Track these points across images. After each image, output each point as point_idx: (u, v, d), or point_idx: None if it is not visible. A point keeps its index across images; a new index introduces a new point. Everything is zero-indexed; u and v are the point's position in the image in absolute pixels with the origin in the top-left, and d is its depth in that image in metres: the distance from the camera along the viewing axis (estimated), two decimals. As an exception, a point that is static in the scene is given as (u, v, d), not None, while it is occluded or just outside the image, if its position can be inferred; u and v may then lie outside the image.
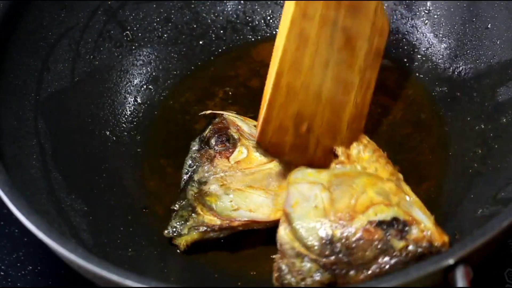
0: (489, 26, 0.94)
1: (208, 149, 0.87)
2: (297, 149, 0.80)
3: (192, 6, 1.03)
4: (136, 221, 0.87)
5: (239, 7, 1.05)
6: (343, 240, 0.73)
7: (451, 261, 0.66)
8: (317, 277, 0.73)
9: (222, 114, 0.90)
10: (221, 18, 1.04)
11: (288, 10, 0.75)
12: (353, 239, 0.73)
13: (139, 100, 0.98)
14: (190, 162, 0.87)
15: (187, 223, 0.83)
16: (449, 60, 0.97)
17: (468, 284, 0.66)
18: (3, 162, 0.79)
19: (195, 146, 0.88)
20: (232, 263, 0.83)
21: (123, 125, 0.96)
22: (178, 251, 0.84)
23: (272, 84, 0.75)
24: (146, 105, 0.98)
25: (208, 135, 0.88)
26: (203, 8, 1.04)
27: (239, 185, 0.83)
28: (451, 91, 0.94)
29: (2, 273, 0.88)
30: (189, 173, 0.87)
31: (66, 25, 0.95)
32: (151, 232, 0.85)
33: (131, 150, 0.94)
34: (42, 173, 0.85)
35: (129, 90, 0.98)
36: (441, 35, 0.98)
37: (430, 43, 0.99)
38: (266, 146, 0.79)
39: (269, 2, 1.05)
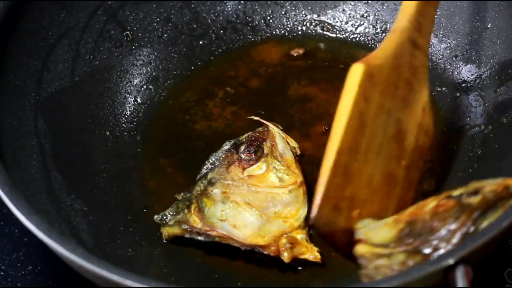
0: (489, 26, 0.94)
1: (235, 153, 0.87)
2: (346, 233, 0.77)
3: (192, 6, 1.03)
4: (136, 221, 0.87)
5: (239, 7, 1.05)
6: (420, 224, 0.73)
7: (451, 261, 0.66)
8: (411, 263, 0.71)
9: (268, 125, 0.90)
10: (221, 18, 1.04)
11: (351, 91, 0.75)
12: (429, 218, 0.72)
13: (139, 100, 0.98)
14: (214, 159, 0.88)
15: (177, 216, 0.83)
16: (449, 60, 0.97)
17: (468, 284, 0.66)
18: (3, 162, 0.79)
19: (226, 146, 0.88)
20: (232, 263, 0.83)
21: (123, 125, 0.96)
22: (180, 251, 0.84)
23: (333, 161, 0.73)
24: (146, 105, 0.98)
25: (243, 140, 0.88)
26: (203, 8, 1.04)
27: (238, 198, 0.83)
28: (451, 91, 0.94)
29: (2, 273, 0.88)
30: (207, 169, 0.87)
31: (66, 25, 0.95)
32: (151, 232, 0.85)
33: (131, 150, 0.94)
34: (42, 173, 0.85)
35: (129, 90, 0.98)
36: (441, 35, 0.98)
37: (430, 43, 0.99)
38: (321, 224, 0.75)
39: (269, 2, 1.05)
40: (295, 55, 1.01)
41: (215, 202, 0.83)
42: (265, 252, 0.80)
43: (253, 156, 0.86)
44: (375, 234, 0.74)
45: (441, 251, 0.70)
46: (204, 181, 0.85)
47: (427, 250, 0.71)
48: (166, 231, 0.83)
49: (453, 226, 0.70)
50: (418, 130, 0.82)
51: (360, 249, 0.74)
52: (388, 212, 0.78)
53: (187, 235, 0.82)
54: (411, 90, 0.81)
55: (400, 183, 0.81)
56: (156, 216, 0.84)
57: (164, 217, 0.84)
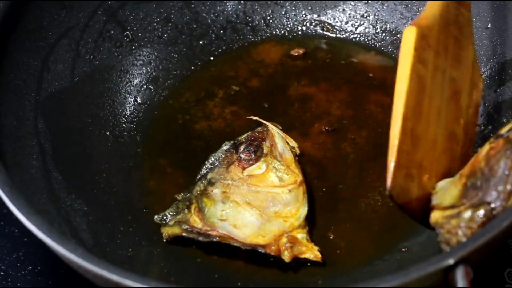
0: (489, 26, 0.94)
1: (234, 153, 0.87)
2: (420, 200, 0.76)
3: (192, 6, 1.03)
4: (136, 221, 0.87)
5: (239, 7, 1.05)
6: (479, 174, 0.72)
7: (451, 261, 0.66)
8: (479, 217, 0.71)
9: (267, 125, 0.90)
10: (221, 18, 1.04)
11: (407, 55, 0.75)
12: (484, 165, 0.72)
13: (139, 100, 0.98)
14: (214, 159, 0.88)
15: (177, 216, 0.83)
16: (449, 60, 0.97)
17: (468, 284, 0.66)
18: (3, 162, 0.79)
19: (226, 146, 0.88)
20: (232, 263, 0.83)
21: (123, 125, 0.96)
22: (180, 251, 0.84)
23: (399, 128, 0.73)
24: (146, 105, 0.98)
25: (242, 140, 0.88)
26: (203, 8, 1.04)
27: (238, 198, 0.83)
28: (451, 91, 0.94)
29: (2, 273, 0.88)
30: (207, 170, 0.87)
31: (66, 25, 0.95)
32: (151, 232, 0.85)
33: (131, 150, 0.94)
34: (42, 173, 0.85)
35: (129, 90, 0.98)
36: (441, 35, 0.98)
37: (430, 43, 0.99)
38: (397, 193, 0.74)
39: (269, 2, 1.05)
40: (295, 55, 1.01)
41: (215, 202, 0.83)
42: (265, 252, 0.80)
43: (253, 156, 0.86)
44: (445, 196, 0.74)
45: (502, 196, 0.69)
46: (204, 181, 0.86)
47: (489, 198, 0.70)
48: (166, 231, 0.83)
49: (507, 165, 0.70)
50: (471, 86, 0.82)
51: (433, 216, 0.74)
52: (454, 173, 0.78)
53: (187, 235, 0.82)
54: (460, 47, 0.80)
55: (461, 142, 0.80)
56: (156, 216, 0.85)
57: (164, 217, 0.84)
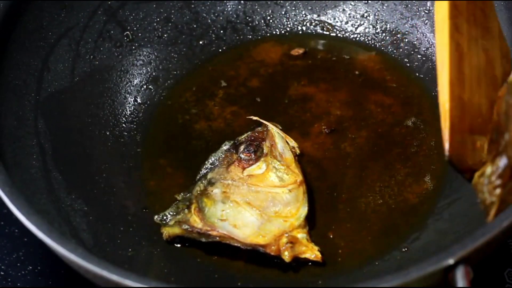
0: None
1: (234, 153, 0.87)
2: (476, 165, 0.77)
3: (192, 6, 1.03)
4: (136, 221, 0.87)
5: (239, 7, 1.05)
6: (495, 126, 0.73)
7: (451, 261, 0.66)
8: (498, 170, 0.71)
9: (267, 125, 0.90)
10: (221, 18, 1.04)
11: (444, 24, 0.76)
12: (496, 115, 0.73)
13: (139, 100, 0.98)
14: (214, 159, 0.88)
15: (177, 216, 0.83)
16: (449, 60, 0.97)
17: (468, 284, 0.66)
18: (3, 162, 0.79)
19: (226, 146, 0.89)
20: (232, 263, 0.83)
21: (123, 125, 0.96)
22: (180, 251, 0.84)
23: (448, 95, 0.74)
24: (146, 105, 0.98)
25: (242, 140, 0.88)
26: (203, 8, 1.04)
27: (238, 198, 0.83)
28: (451, 91, 0.94)
29: (2, 273, 0.88)
30: (207, 170, 0.87)
31: (66, 25, 0.95)
32: (151, 232, 0.85)
33: (131, 150, 0.94)
34: (42, 173, 0.85)
35: (129, 90, 0.98)
36: (441, 35, 0.98)
37: (430, 43, 0.99)
38: (456, 160, 0.75)
39: (269, 2, 1.05)
40: (295, 55, 1.01)
41: (215, 202, 0.83)
42: (265, 252, 0.80)
43: (253, 156, 0.86)
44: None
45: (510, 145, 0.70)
46: (204, 181, 0.86)
47: (502, 149, 0.71)
48: (167, 231, 0.83)
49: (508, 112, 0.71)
50: (501, 56, 0.82)
51: (473, 180, 0.75)
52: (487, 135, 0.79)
53: (187, 235, 0.82)
54: (486, 17, 0.81)
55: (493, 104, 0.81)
56: (156, 216, 0.85)
57: (164, 217, 0.84)
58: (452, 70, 0.75)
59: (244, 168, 0.85)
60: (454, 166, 0.75)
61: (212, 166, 0.87)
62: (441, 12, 0.76)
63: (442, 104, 0.74)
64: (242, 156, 0.86)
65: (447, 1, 0.76)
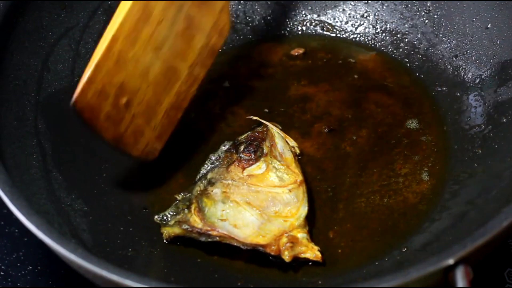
0: (489, 26, 0.94)
1: (234, 153, 0.87)
2: (111, 120, 0.80)
3: (192, 6, 1.03)
4: (136, 221, 0.87)
5: (239, 7, 1.05)
6: None
7: (451, 261, 0.66)
8: None
9: (267, 125, 0.90)
10: (221, 18, 1.04)
11: None
12: None
13: (139, 100, 0.98)
14: (213, 159, 0.88)
15: (177, 216, 0.83)
16: (449, 60, 0.97)
17: (468, 284, 0.66)
18: (3, 162, 0.79)
19: (226, 146, 0.89)
20: (232, 263, 0.83)
21: (123, 125, 0.95)
22: (180, 251, 0.84)
23: (104, 47, 0.76)
24: (146, 105, 0.98)
25: (242, 140, 0.88)
26: (203, 8, 1.04)
27: (238, 198, 0.83)
28: (451, 91, 0.95)
29: (2, 273, 0.88)
30: (207, 169, 0.87)
31: (66, 25, 0.95)
32: (151, 232, 0.85)
33: (131, 150, 0.94)
34: (42, 173, 0.85)
35: (129, 90, 0.98)
36: (441, 35, 0.98)
37: (430, 43, 0.99)
38: (82, 107, 0.78)
39: (269, 2, 1.05)
40: (295, 55, 1.01)
41: (215, 202, 0.83)
42: (265, 252, 0.80)
43: (253, 155, 0.86)
44: None
45: None
46: (204, 181, 0.86)
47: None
48: (167, 231, 0.83)
49: None
50: (212, 29, 0.83)
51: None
52: (163, 103, 0.82)
53: (187, 235, 0.82)
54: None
55: (181, 79, 0.83)
56: (156, 216, 0.85)
57: (164, 217, 0.84)
58: (122, 27, 0.76)
59: (244, 168, 0.85)
60: (76, 112, 0.77)
61: (212, 166, 0.87)
62: None
63: (95, 53, 0.76)
64: (242, 156, 0.86)
65: None
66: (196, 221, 0.82)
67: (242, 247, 0.81)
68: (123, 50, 0.76)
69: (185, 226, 0.82)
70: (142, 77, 0.78)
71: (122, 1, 0.77)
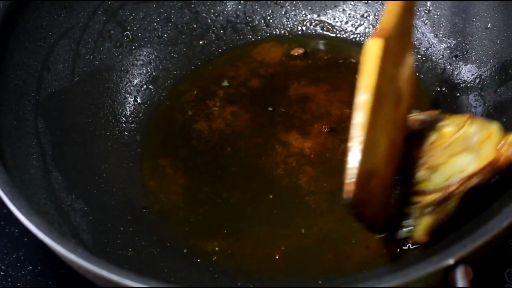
0: (489, 26, 0.94)
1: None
2: (363, 202, 0.76)
3: (192, 6, 1.03)
4: (136, 221, 0.87)
5: (239, 7, 1.05)
6: None
7: (451, 261, 0.66)
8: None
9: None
10: (221, 18, 1.04)
11: (372, 63, 0.74)
12: None
13: (139, 100, 0.98)
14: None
15: (414, 213, 0.81)
16: (449, 60, 0.97)
17: (468, 284, 0.66)
18: (3, 162, 0.79)
19: None
20: (232, 263, 0.83)
21: (123, 125, 0.96)
22: (180, 251, 0.84)
23: (366, 136, 0.72)
24: (146, 105, 0.98)
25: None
26: (203, 8, 1.04)
27: (441, 160, 0.82)
28: (451, 91, 0.94)
29: (2, 273, 0.88)
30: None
31: (66, 25, 0.95)
32: (151, 232, 0.85)
33: (131, 150, 0.94)
34: (42, 173, 0.85)
35: (129, 90, 0.98)
36: (441, 35, 0.98)
37: (430, 43, 0.99)
38: (356, 206, 0.74)
39: (269, 2, 1.05)
40: (295, 55, 1.01)
41: (428, 178, 0.81)
42: (497, 166, 0.80)
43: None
44: None
45: None
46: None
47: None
48: (420, 232, 0.81)
49: None
50: (408, 88, 0.81)
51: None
52: (393, 178, 0.79)
53: (438, 217, 0.80)
54: (404, 54, 0.80)
55: (398, 145, 0.80)
56: (399, 233, 0.82)
57: (407, 228, 0.82)
58: (369, 108, 0.73)
59: (421, 145, 0.83)
60: (353, 211, 0.73)
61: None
62: (372, 53, 0.74)
63: (352, 143, 0.72)
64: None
65: (380, 45, 0.73)
66: (431, 197, 0.80)
67: (483, 178, 0.80)
68: (370, 136, 0.73)
69: (428, 209, 0.80)
70: (377, 158, 0.76)
71: (362, 87, 0.74)
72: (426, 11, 1.00)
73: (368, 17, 1.03)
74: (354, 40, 1.02)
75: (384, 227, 0.79)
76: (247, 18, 1.05)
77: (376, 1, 1.03)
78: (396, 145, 0.79)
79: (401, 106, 0.80)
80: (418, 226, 0.81)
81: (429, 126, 0.83)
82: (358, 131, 0.72)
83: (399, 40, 0.78)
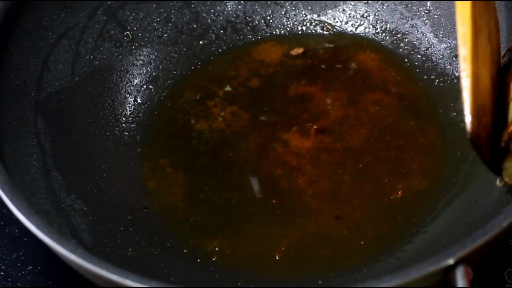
0: (489, 26, 0.94)
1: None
2: (487, 145, 0.78)
3: (192, 6, 1.03)
4: (136, 221, 0.87)
5: (239, 7, 1.05)
6: None
7: (451, 261, 0.66)
8: None
9: None
10: (221, 18, 1.04)
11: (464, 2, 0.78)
12: None
13: (139, 100, 0.98)
14: None
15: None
16: (449, 60, 0.97)
17: (468, 284, 0.66)
18: (3, 162, 0.79)
19: None
20: (232, 263, 0.83)
21: (123, 125, 0.96)
22: (180, 251, 0.84)
23: (470, 69, 0.76)
24: (146, 105, 0.98)
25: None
26: (203, 8, 1.04)
27: None
28: (451, 91, 0.94)
29: (2, 273, 0.88)
30: None
31: (66, 25, 0.95)
32: (151, 232, 0.85)
33: (131, 150, 0.94)
34: (42, 173, 0.85)
35: (129, 90, 0.98)
36: (441, 35, 0.98)
37: (430, 43, 0.99)
38: (476, 137, 0.76)
39: (269, 2, 1.05)
40: (295, 55, 1.01)
41: None
42: None
43: None
44: None
45: None
46: None
47: None
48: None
49: None
50: (495, 30, 0.84)
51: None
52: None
53: None
54: (489, 6, 0.83)
55: (495, 80, 0.82)
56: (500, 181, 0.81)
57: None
58: (473, 44, 0.76)
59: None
60: (474, 144, 0.75)
61: None
62: (465, 10, 0.77)
63: (463, 78, 0.75)
64: None
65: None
66: None
67: None
68: (475, 71, 0.76)
69: None
70: (486, 93, 0.78)
71: (460, 21, 0.77)
72: (426, 11, 1.00)
73: (368, 17, 1.03)
74: (354, 40, 1.02)
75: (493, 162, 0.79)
76: (247, 18, 1.05)
77: (376, 1, 1.03)
78: (494, 80, 0.81)
79: (492, 40, 0.82)
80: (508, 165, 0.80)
81: None
82: (464, 64, 0.76)
83: None
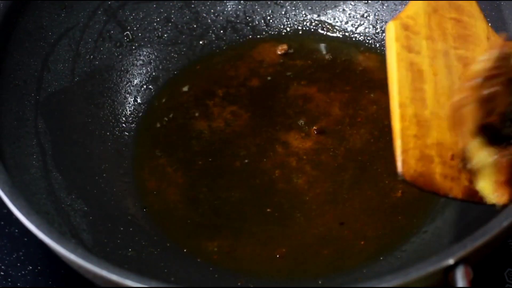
0: (489, 26, 0.94)
1: None
2: (449, 178, 0.76)
3: (192, 6, 1.03)
4: (136, 221, 0.87)
5: (239, 7, 1.05)
6: None
7: (451, 261, 0.66)
8: None
9: None
10: (221, 18, 1.04)
11: (391, 48, 0.77)
12: None
13: (139, 100, 0.98)
14: None
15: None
16: (449, 60, 0.97)
17: (468, 284, 0.66)
18: (3, 162, 0.79)
19: None
20: (232, 263, 0.83)
21: (123, 125, 0.96)
22: (180, 251, 0.84)
23: (398, 116, 0.74)
24: (146, 105, 0.98)
25: None
26: (203, 8, 1.04)
27: None
28: (451, 91, 0.95)
29: (2, 273, 0.88)
30: None
31: (66, 25, 0.95)
32: (151, 232, 0.85)
33: (131, 150, 0.94)
34: (42, 173, 0.85)
35: (129, 90, 0.98)
36: (441, 35, 0.98)
37: (430, 43, 0.99)
38: (412, 177, 0.74)
39: (269, 2, 1.05)
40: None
41: None
42: None
43: None
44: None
45: None
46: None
47: None
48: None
49: None
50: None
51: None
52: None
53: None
54: (463, 27, 0.81)
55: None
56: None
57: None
58: (402, 92, 0.75)
59: None
60: (410, 183, 0.74)
61: None
62: (389, 35, 0.77)
63: (393, 125, 0.74)
64: None
65: (393, 25, 0.77)
66: None
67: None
68: (417, 113, 0.75)
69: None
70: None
71: (388, 70, 0.76)
72: (426, 11, 1.00)
73: (368, 17, 1.03)
74: (354, 40, 1.02)
75: None
76: (247, 18, 1.05)
77: (376, 1, 1.03)
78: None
79: (470, 66, 0.79)
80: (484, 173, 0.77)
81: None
82: (395, 110, 0.75)
83: (436, 16, 0.80)
